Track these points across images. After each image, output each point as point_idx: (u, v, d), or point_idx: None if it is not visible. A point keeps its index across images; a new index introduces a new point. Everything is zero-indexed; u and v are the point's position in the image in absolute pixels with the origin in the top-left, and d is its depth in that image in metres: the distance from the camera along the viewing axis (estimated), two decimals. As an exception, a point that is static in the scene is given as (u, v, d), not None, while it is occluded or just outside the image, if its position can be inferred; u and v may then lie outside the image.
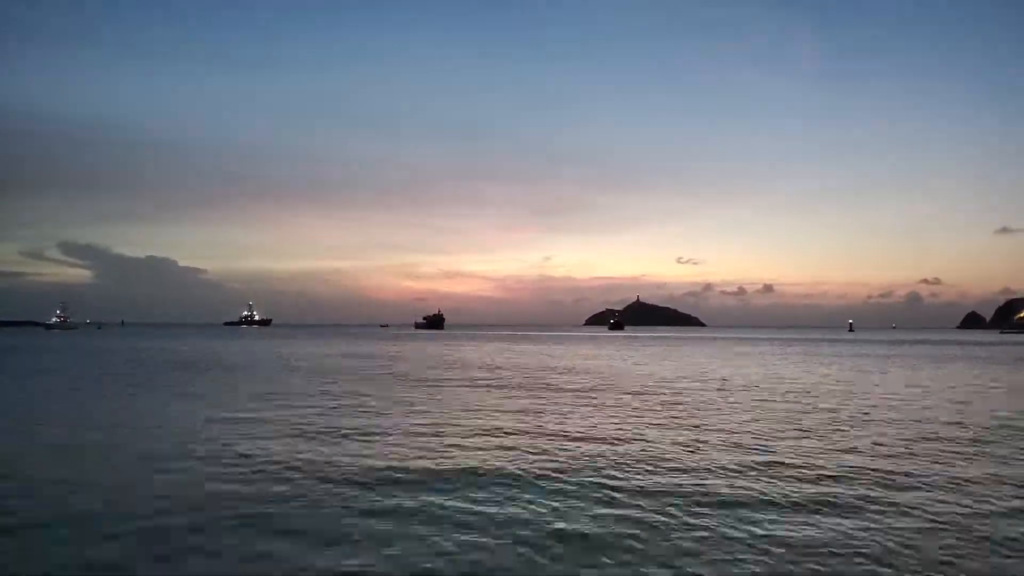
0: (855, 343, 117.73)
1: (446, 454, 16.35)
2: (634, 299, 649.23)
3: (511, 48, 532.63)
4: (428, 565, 8.99)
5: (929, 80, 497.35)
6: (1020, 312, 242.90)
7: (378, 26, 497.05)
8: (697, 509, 11.56)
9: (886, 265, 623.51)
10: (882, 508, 11.63)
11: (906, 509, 11.60)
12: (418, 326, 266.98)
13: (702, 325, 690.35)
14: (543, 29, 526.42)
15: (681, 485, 13.24)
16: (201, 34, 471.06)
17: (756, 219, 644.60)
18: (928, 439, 18.57)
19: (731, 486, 13.15)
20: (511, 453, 16.51)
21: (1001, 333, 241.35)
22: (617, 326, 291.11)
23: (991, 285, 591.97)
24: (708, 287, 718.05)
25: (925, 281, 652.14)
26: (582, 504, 11.91)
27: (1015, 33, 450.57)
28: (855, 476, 14.07)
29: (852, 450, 16.89)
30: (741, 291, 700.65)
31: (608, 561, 9.17)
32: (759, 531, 10.38)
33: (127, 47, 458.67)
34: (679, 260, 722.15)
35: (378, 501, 12.07)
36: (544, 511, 11.48)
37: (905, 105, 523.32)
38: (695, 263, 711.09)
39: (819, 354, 73.59)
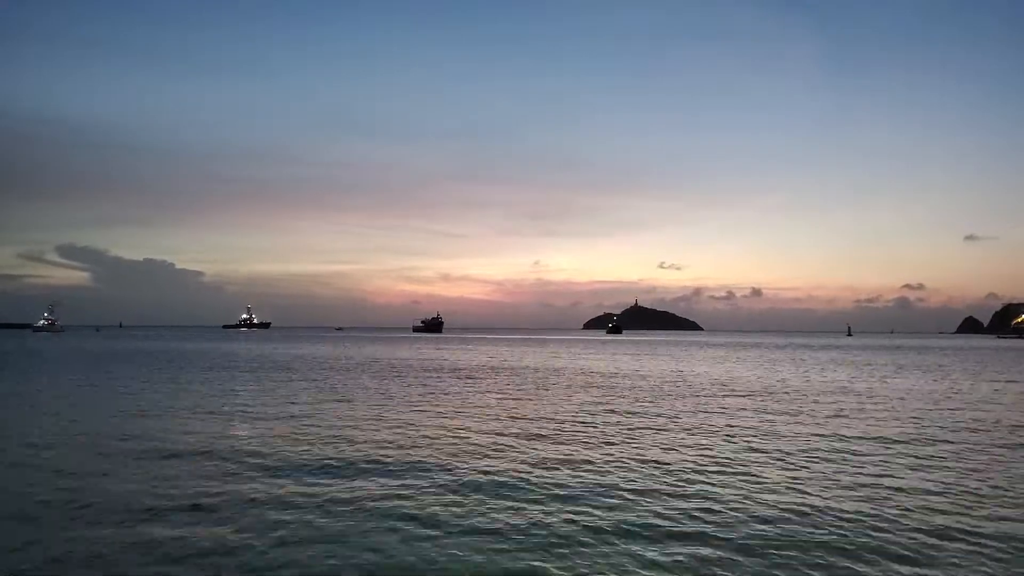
0: (896, 350, 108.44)
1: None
2: (631, 303, 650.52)
3: (509, 53, 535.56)
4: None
5: (921, 86, 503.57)
6: (1017, 317, 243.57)
7: (378, 32, 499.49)
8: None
9: (868, 270, 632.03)
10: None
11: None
12: (416, 329, 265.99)
13: (699, 329, 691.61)
14: (541, 34, 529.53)
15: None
16: (201, 38, 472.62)
17: (743, 224, 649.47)
18: None
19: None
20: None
21: (998, 338, 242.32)
22: (615, 330, 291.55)
23: (970, 290, 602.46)
24: (698, 291, 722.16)
25: (908, 286, 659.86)
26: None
27: (1008, 43, 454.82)
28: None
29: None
30: (730, 295, 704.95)
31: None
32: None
33: (127, 51, 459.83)
34: (661, 265, 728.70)
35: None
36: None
37: (893, 111, 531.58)
38: (677, 268, 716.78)
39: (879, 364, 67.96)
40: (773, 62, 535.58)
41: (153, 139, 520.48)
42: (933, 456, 17.13)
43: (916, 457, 16.95)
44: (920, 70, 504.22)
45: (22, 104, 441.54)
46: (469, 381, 39.92)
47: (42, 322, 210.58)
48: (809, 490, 13.42)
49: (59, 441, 18.64)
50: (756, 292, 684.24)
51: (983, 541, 10.37)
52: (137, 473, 14.74)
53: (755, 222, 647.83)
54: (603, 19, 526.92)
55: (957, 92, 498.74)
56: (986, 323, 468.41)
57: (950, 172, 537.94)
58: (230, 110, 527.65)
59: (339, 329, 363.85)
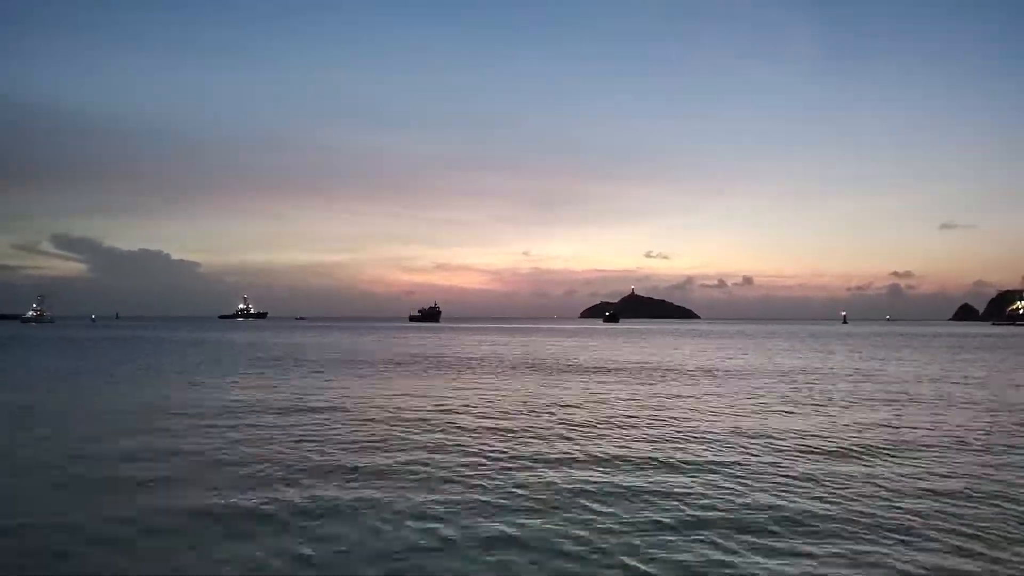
0: (937, 339, 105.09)
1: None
2: (627, 291, 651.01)
3: (505, 39, 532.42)
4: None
5: (911, 75, 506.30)
6: (1012, 305, 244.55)
7: (371, 18, 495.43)
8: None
9: (857, 259, 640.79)
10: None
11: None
12: (412, 319, 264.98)
13: (696, 318, 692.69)
14: (538, 20, 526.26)
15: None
16: (195, 26, 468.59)
17: (734, 212, 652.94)
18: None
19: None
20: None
21: (993, 325, 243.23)
22: (612, 319, 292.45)
23: (960, 277, 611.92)
24: (690, 279, 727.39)
25: (896, 274, 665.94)
26: None
27: (996, 36, 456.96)
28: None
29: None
30: (722, 283, 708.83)
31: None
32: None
33: (121, 39, 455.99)
34: (648, 254, 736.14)
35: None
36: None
37: (881, 101, 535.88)
38: (665, 256, 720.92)
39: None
40: (771, 50, 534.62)
41: (147, 127, 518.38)
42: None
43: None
44: (917, 59, 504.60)
45: (14, 92, 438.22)
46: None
47: (30, 313, 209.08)
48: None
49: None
50: (747, 280, 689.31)
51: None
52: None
53: (746, 210, 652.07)
54: (600, 4, 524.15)
55: (944, 83, 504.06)
56: (981, 310, 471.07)
57: (928, 161, 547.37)
58: (225, 97, 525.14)
59: (299, 319, 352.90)
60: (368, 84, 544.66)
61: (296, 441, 17.59)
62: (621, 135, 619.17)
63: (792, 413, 22.89)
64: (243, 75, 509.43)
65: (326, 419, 21.13)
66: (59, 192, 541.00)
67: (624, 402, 25.66)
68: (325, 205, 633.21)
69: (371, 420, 21.11)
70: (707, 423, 20.62)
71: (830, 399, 26.97)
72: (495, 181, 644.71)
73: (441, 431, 19.24)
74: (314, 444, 17.10)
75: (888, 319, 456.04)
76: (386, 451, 16.39)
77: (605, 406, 24.47)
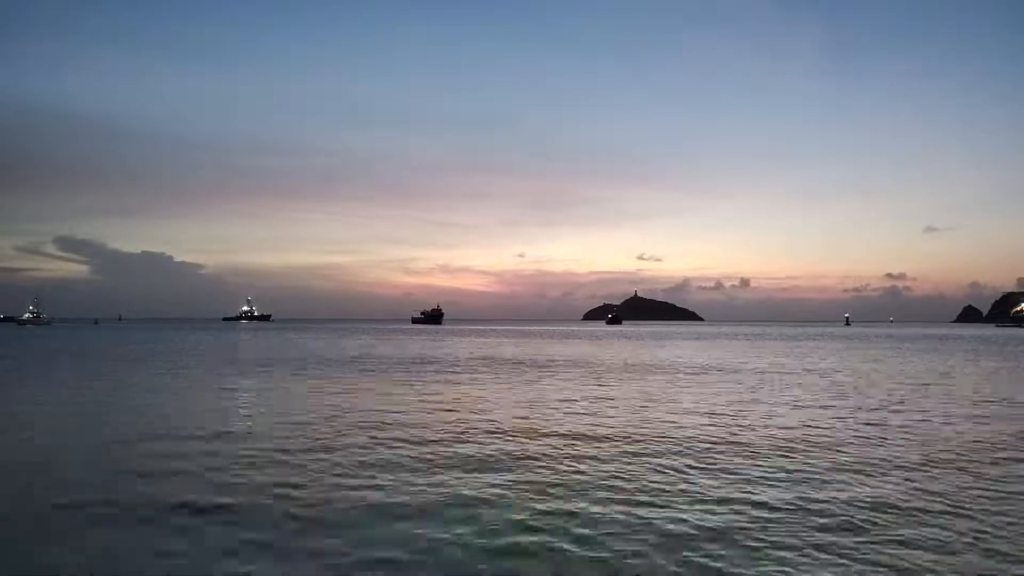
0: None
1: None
2: (629, 293, 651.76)
3: (508, 43, 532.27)
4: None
5: (909, 79, 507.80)
6: (1017, 307, 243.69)
7: (376, 20, 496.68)
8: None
9: (851, 261, 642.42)
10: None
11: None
12: (416, 321, 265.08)
13: (700, 319, 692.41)
14: (542, 22, 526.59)
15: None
16: (198, 28, 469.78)
17: (731, 214, 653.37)
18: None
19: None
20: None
21: (997, 327, 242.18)
22: (615, 320, 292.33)
23: (949, 279, 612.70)
24: (687, 281, 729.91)
25: (890, 276, 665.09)
26: None
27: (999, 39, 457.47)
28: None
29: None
30: (719, 285, 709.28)
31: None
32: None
33: (125, 42, 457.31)
34: (641, 256, 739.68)
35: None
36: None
37: (875, 106, 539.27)
38: (658, 259, 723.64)
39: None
40: (771, 51, 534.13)
41: (150, 130, 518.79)
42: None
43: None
44: (917, 61, 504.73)
45: (19, 95, 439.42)
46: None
47: (27, 315, 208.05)
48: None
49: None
50: (745, 282, 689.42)
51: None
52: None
53: (745, 212, 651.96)
54: (599, 6, 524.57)
55: (943, 84, 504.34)
56: (985, 311, 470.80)
57: (920, 164, 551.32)
58: (228, 101, 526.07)
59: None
60: (372, 88, 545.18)
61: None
62: (620, 137, 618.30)
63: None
64: (247, 80, 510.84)
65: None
66: (62, 194, 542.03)
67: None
68: (327, 207, 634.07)
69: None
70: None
71: None
72: (495, 183, 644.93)
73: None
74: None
75: (892, 321, 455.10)
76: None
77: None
